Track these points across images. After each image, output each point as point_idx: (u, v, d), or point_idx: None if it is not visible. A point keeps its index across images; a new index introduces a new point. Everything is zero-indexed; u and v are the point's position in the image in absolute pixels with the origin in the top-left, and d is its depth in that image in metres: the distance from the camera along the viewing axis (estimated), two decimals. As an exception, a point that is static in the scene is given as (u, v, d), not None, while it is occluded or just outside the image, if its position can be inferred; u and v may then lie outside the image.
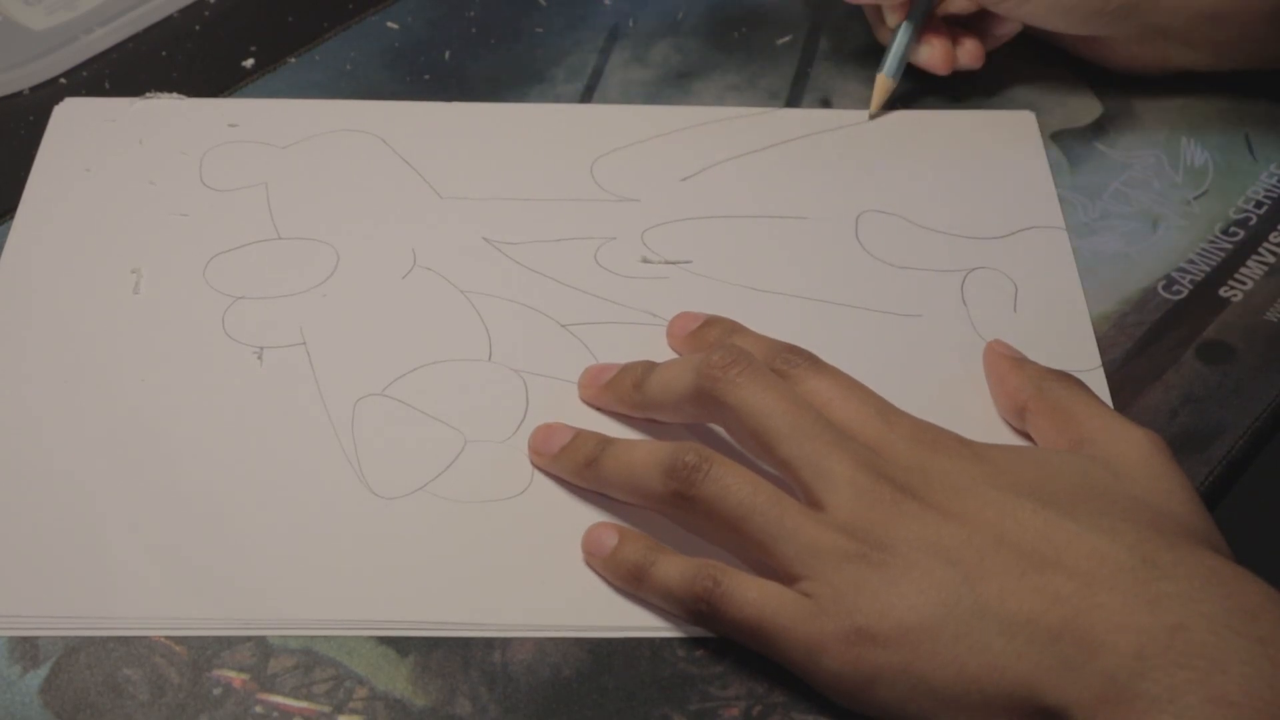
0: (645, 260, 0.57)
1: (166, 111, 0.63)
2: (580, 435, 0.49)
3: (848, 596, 0.42)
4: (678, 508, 0.46)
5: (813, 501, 0.44)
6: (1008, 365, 0.50)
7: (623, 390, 0.50)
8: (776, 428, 0.44)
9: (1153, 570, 0.40)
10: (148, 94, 0.64)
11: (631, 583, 0.46)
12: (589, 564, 0.47)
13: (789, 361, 0.48)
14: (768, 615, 0.43)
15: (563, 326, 0.55)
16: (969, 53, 0.63)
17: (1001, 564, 0.41)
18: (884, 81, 0.63)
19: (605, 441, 0.48)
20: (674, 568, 0.45)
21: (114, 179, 0.60)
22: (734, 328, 0.52)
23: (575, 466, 0.48)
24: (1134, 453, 0.45)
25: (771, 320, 0.54)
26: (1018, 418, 0.50)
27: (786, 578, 0.44)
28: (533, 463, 0.50)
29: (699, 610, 0.44)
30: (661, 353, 0.54)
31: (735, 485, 0.44)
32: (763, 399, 0.45)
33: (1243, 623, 0.38)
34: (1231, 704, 0.37)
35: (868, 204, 0.60)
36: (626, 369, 0.51)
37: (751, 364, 0.46)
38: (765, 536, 0.44)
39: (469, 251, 0.58)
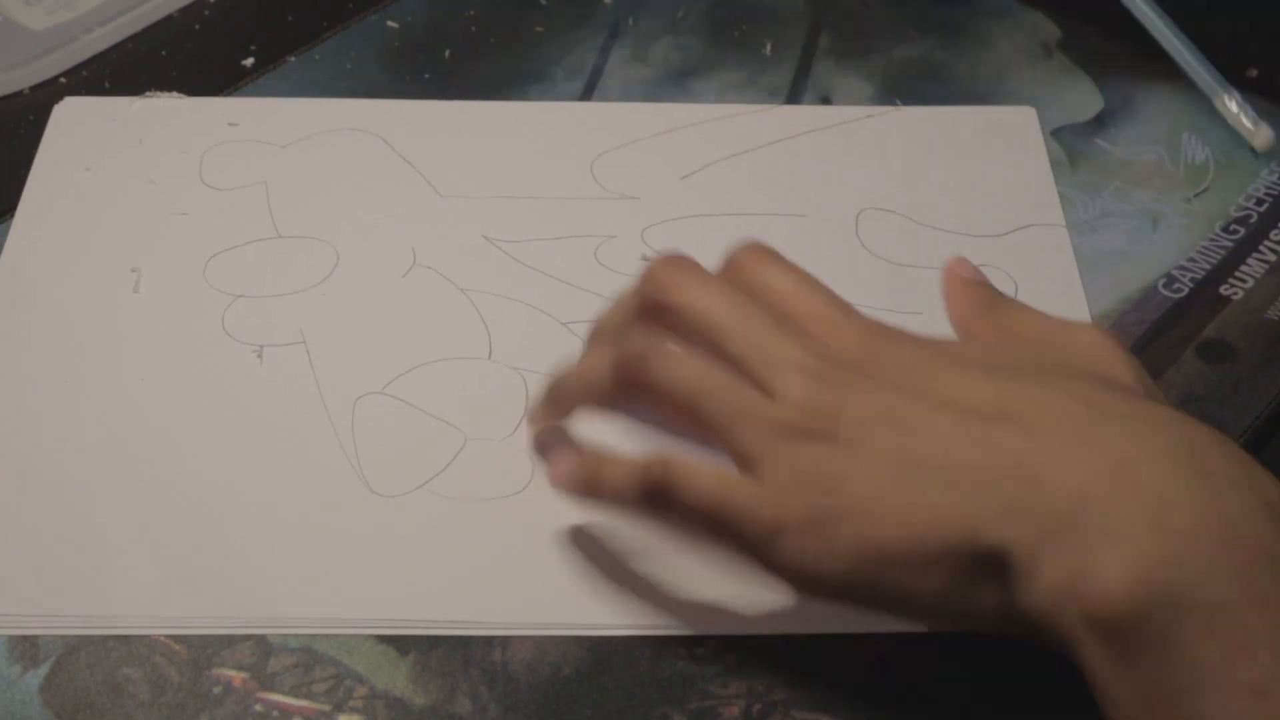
0: (645, 258, 0.57)
1: (166, 111, 0.63)
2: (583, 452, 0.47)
3: (805, 476, 0.41)
4: (631, 397, 0.44)
5: (766, 391, 0.42)
6: (957, 287, 0.48)
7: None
8: (725, 324, 0.43)
9: (1099, 415, 0.39)
10: (148, 93, 0.64)
11: (587, 490, 0.44)
12: (553, 486, 0.45)
13: (749, 253, 0.46)
14: (725, 499, 0.42)
15: (563, 325, 0.55)
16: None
17: (949, 422, 0.40)
18: (1262, 134, 0.62)
19: (563, 370, 0.47)
20: (624, 465, 0.44)
21: (114, 178, 0.60)
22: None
23: (547, 400, 0.48)
24: (1085, 339, 0.44)
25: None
26: (964, 331, 0.48)
27: (742, 462, 0.42)
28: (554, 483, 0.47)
29: (654, 502, 0.43)
30: None
31: (688, 369, 0.43)
32: (708, 296, 0.44)
33: (1187, 456, 0.38)
34: (1173, 531, 0.36)
35: (868, 201, 0.60)
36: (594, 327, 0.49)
37: (691, 266, 0.45)
38: (721, 419, 0.42)
39: (469, 250, 0.58)
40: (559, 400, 0.47)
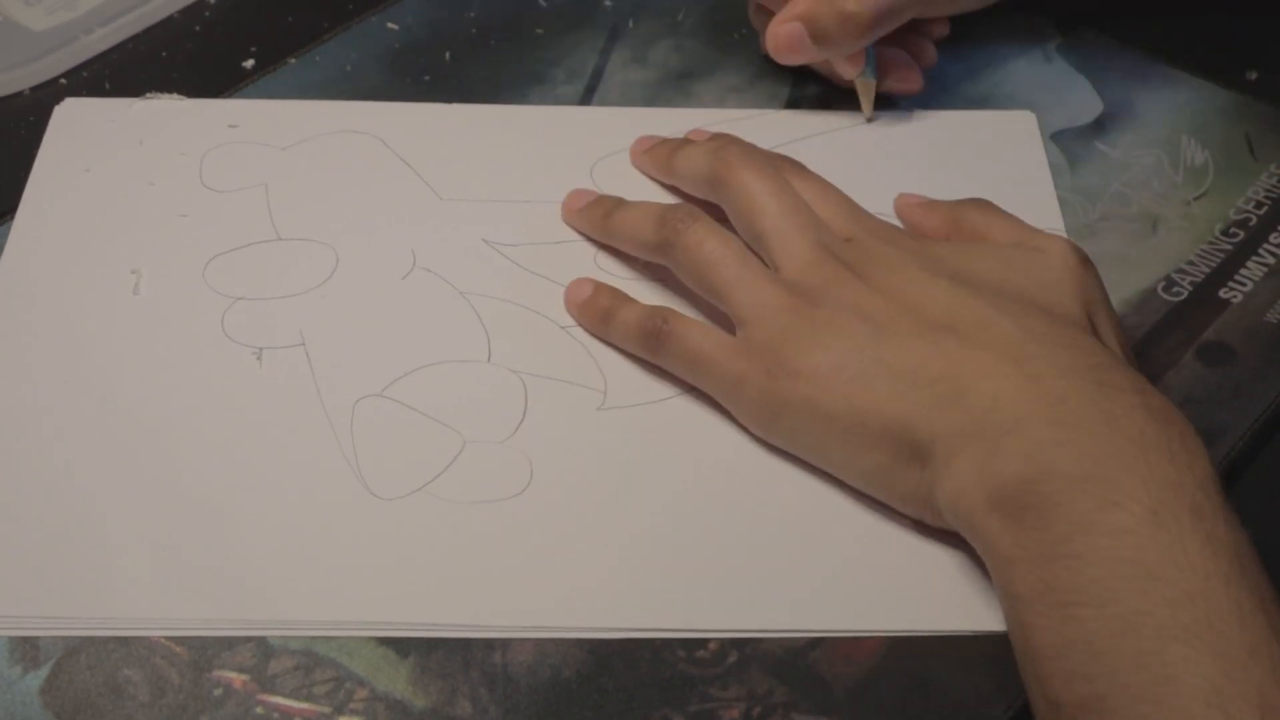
0: (645, 263, 0.57)
1: (166, 112, 0.63)
2: (602, 197, 0.58)
3: (777, 340, 0.49)
4: (664, 254, 0.54)
5: (775, 265, 0.51)
6: (920, 212, 0.55)
7: (660, 157, 0.60)
8: (761, 205, 0.52)
9: (1027, 337, 0.46)
10: (148, 94, 0.64)
11: (599, 324, 0.54)
12: (568, 310, 0.55)
13: (782, 164, 0.55)
14: (705, 350, 0.51)
15: (562, 328, 0.55)
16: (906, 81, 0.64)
17: (906, 326, 0.48)
18: (866, 85, 0.63)
19: (620, 201, 0.57)
20: (634, 311, 0.53)
21: (114, 179, 0.60)
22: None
23: (594, 219, 0.57)
24: (1053, 249, 0.51)
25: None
26: None
27: (736, 324, 0.51)
28: (564, 219, 0.59)
29: (650, 343, 0.52)
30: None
31: (711, 238, 0.52)
32: (756, 181, 0.53)
33: (1088, 371, 0.45)
34: (1062, 423, 0.43)
35: (868, 205, 0.59)
36: (665, 142, 0.60)
37: (754, 154, 0.55)
38: (725, 285, 0.51)
39: (468, 253, 0.58)
40: (605, 231, 0.57)
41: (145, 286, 0.56)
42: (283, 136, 0.62)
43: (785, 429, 0.49)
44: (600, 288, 0.55)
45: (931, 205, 0.55)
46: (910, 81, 0.63)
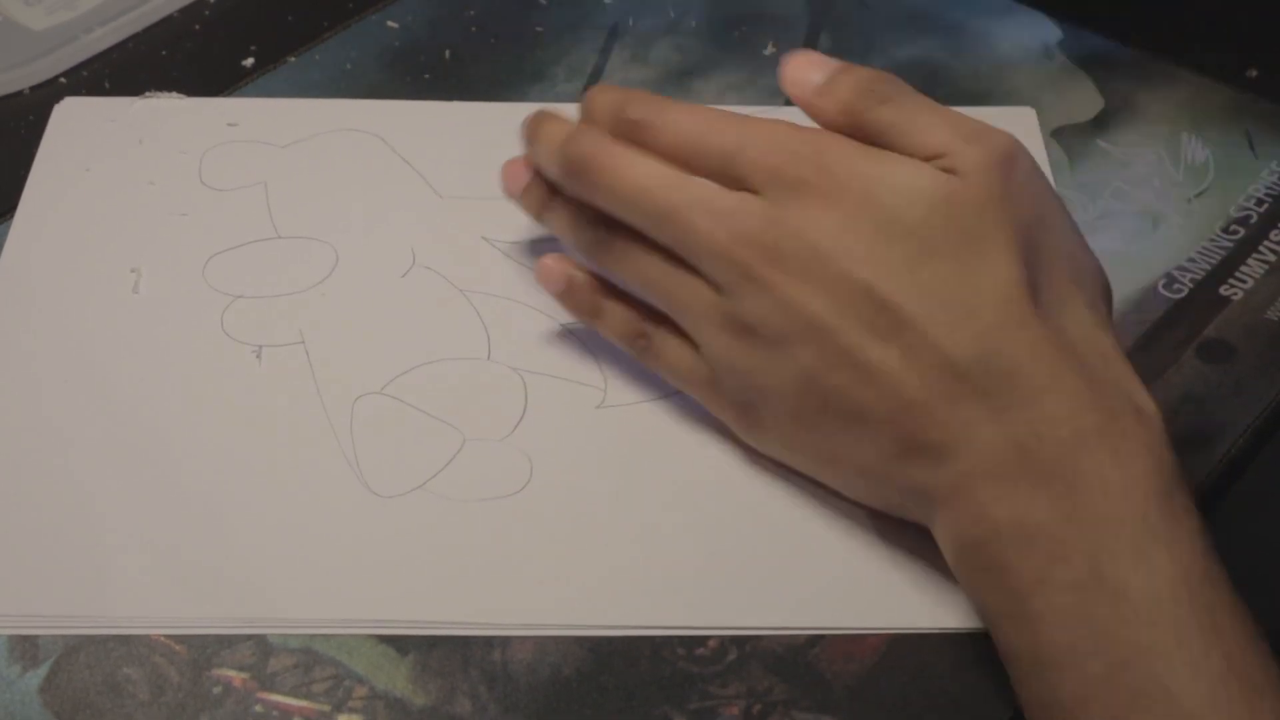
0: None
1: (166, 111, 0.63)
2: (535, 179, 0.53)
3: (735, 372, 0.47)
4: (578, 190, 0.50)
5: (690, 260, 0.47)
6: (811, 94, 0.48)
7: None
8: (696, 136, 0.47)
9: (953, 373, 0.43)
10: (147, 94, 0.64)
11: (586, 318, 0.52)
12: (543, 286, 0.52)
13: (639, 104, 0.49)
14: (683, 381, 0.50)
15: (562, 325, 0.55)
16: None
17: (854, 342, 0.44)
18: None
19: (551, 196, 0.53)
20: (618, 315, 0.51)
21: (113, 179, 0.60)
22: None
23: (530, 205, 0.54)
24: (973, 176, 0.44)
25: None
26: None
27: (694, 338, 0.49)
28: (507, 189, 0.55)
29: (634, 352, 0.51)
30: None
31: (643, 263, 0.48)
32: (622, 173, 0.48)
33: (1018, 402, 0.42)
34: (1004, 478, 0.42)
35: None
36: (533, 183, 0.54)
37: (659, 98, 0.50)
38: (669, 305, 0.48)
39: (468, 250, 0.58)
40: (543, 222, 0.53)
41: (145, 285, 0.56)
42: (282, 135, 0.62)
43: (775, 456, 0.49)
44: (579, 279, 0.52)
45: (826, 91, 0.47)
46: None
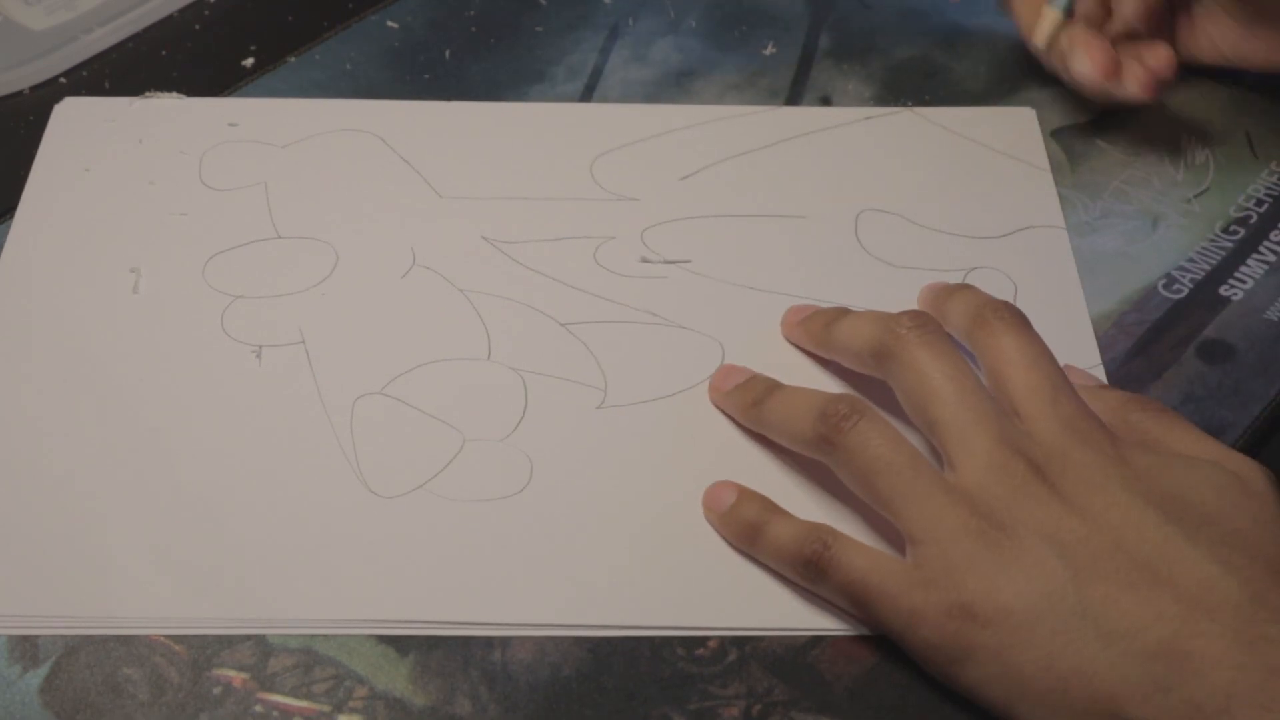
0: (645, 260, 0.57)
1: (166, 111, 0.63)
2: (755, 377, 0.51)
3: (958, 571, 0.43)
4: (823, 454, 0.47)
5: (950, 464, 0.45)
6: (1088, 396, 0.48)
7: (814, 328, 0.52)
8: (935, 389, 0.46)
9: (1259, 609, 0.40)
10: (147, 93, 0.64)
11: (746, 540, 0.47)
12: (707, 518, 0.48)
13: (997, 312, 0.48)
14: (873, 581, 0.44)
15: (562, 325, 0.55)
16: (1161, 60, 0.60)
17: (1113, 569, 0.41)
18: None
19: (774, 386, 0.50)
20: (787, 529, 0.46)
21: (113, 179, 0.60)
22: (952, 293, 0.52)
23: (743, 404, 0.51)
24: (1251, 474, 0.45)
25: (771, 320, 0.54)
26: None
27: (906, 540, 0.44)
28: (710, 398, 0.52)
29: (808, 572, 0.45)
30: (658, 352, 0.54)
31: (877, 440, 0.45)
32: (932, 360, 0.46)
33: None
34: None
35: (867, 203, 0.60)
36: (822, 311, 0.53)
37: (934, 327, 0.47)
38: (894, 495, 0.45)
39: (468, 251, 0.57)
40: (764, 427, 0.50)
41: (144, 285, 0.56)
42: (282, 135, 0.62)
43: (968, 680, 0.43)
44: (745, 496, 0.48)
45: (1099, 394, 0.48)
46: (1144, 85, 0.60)
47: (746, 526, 0.47)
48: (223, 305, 0.55)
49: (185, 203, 0.59)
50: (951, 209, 0.59)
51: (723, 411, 0.52)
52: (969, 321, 0.49)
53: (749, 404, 0.50)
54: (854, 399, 0.47)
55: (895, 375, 0.47)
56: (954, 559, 0.43)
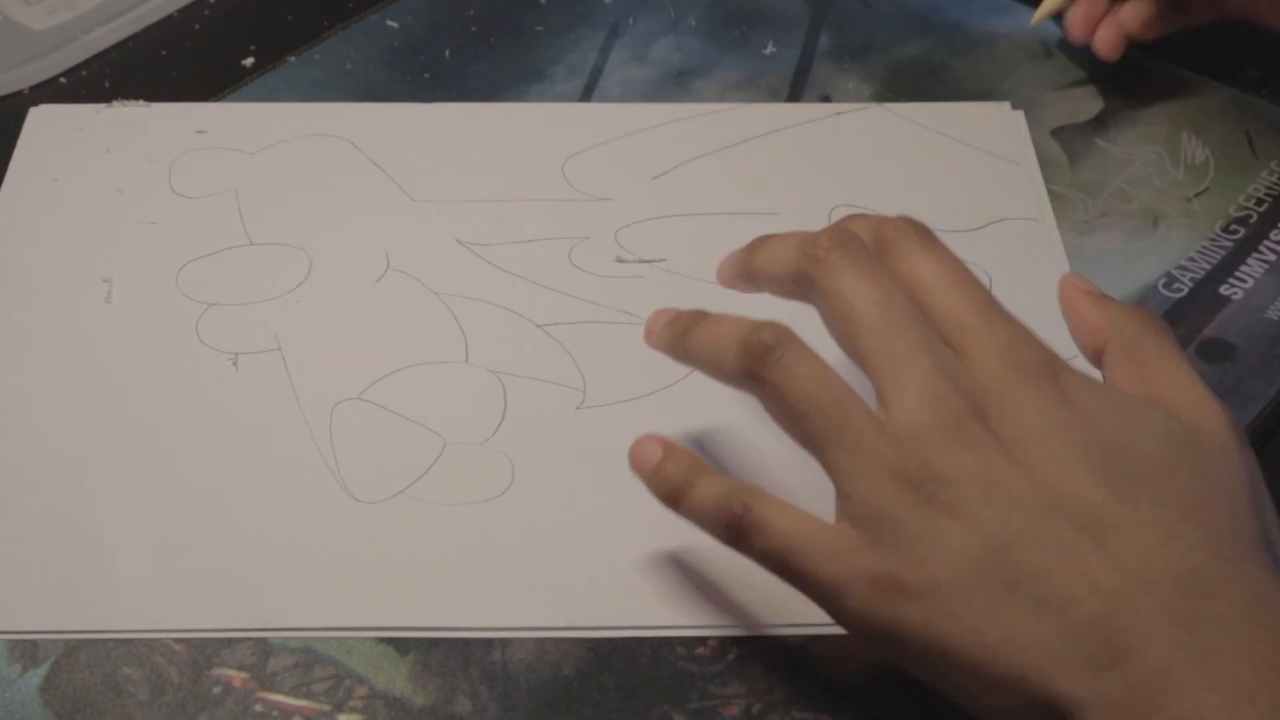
0: (619, 259, 0.57)
1: (133, 119, 0.63)
2: (681, 312, 0.46)
3: (886, 536, 0.39)
4: (749, 389, 0.43)
5: (882, 400, 0.41)
6: (1087, 302, 0.45)
7: (738, 257, 0.47)
8: (863, 318, 0.41)
9: (1200, 584, 0.37)
10: (114, 102, 0.63)
11: (671, 502, 0.43)
12: (634, 472, 0.44)
13: (900, 230, 0.44)
14: (795, 547, 0.41)
15: (539, 327, 0.55)
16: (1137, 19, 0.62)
17: (1047, 535, 0.38)
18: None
19: (700, 315, 0.45)
20: (711, 488, 0.43)
21: (82, 188, 0.60)
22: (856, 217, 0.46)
23: (671, 339, 0.46)
24: (1212, 427, 0.41)
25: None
26: (1095, 358, 0.45)
27: (836, 495, 0.41)
28: (646, 342, 0.47)
29: (729, 535, 0.42)
30: (635, 351, 0.52)
31: (805, 376, 0.41)
32: (856, 285, 0.42)
33: (1274, 656, 0.36)
34: None
35: (841, 198, 0.59)
36: (751, 242, 0.47)
37: (856, 248, 0.43)
38: (823, 439, 0.41)
39: (442, 254, 0.57)
40: (690, 359, 0.45)
41: (117, 295, 0.55)
42: (252, 141, 0.62)
43: (896, 652, 0.40)
44: (671, 452, 0.44)
45: (1101, 303, 0.45)
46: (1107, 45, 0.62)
47: (671, 487, 0.43)
48: (197, 313, 0.55)
49: (156, 211, 0.59)
50: (928, 202, 0.59)
51: (662, 353, 0.46)
52: (870, 247, 0.44)
53: (676, 336, 0.45)
54: (779, 327, 0.42)
55: (819, 303, 0.43)
56: (882, 521, 0.39)
